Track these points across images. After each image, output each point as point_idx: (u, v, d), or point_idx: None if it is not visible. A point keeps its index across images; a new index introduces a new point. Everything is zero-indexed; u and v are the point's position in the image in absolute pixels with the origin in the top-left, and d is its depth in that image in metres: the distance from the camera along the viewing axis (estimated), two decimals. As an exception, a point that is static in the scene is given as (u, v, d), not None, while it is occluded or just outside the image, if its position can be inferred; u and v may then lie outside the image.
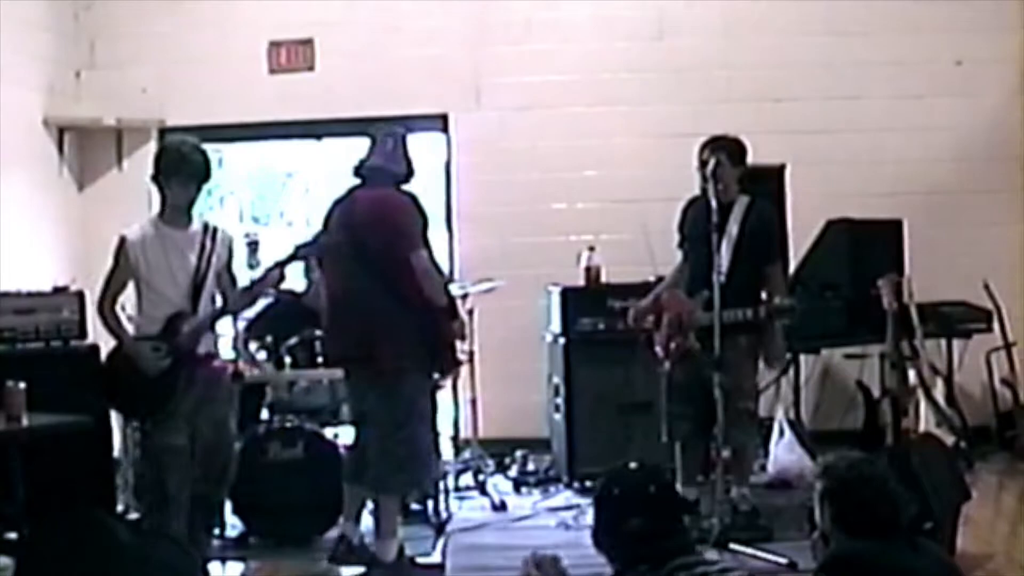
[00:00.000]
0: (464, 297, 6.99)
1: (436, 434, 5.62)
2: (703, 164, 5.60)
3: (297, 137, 8.88)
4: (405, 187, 5.24)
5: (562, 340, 6.82)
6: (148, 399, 4.87)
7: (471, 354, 7.08)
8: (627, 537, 3.18)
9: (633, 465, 3.62)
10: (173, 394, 4.85)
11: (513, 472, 7.09)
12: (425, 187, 8.37)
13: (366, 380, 5.12)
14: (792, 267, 6.88)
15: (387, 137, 5.25)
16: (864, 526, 3.19)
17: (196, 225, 5.05)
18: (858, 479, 3.24)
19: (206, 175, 4.98)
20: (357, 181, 5.25)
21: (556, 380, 6.97)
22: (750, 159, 5.84)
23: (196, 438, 4.91)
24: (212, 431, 4.96)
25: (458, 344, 5.53)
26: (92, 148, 8.03)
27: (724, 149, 5.63)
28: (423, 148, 8.37)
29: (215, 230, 5.06)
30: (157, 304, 4.91)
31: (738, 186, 5.71)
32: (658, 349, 5.86)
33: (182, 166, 4.92)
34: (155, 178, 4.97)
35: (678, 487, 5.87)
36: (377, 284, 4.97)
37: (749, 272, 5.59)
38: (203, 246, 4.99)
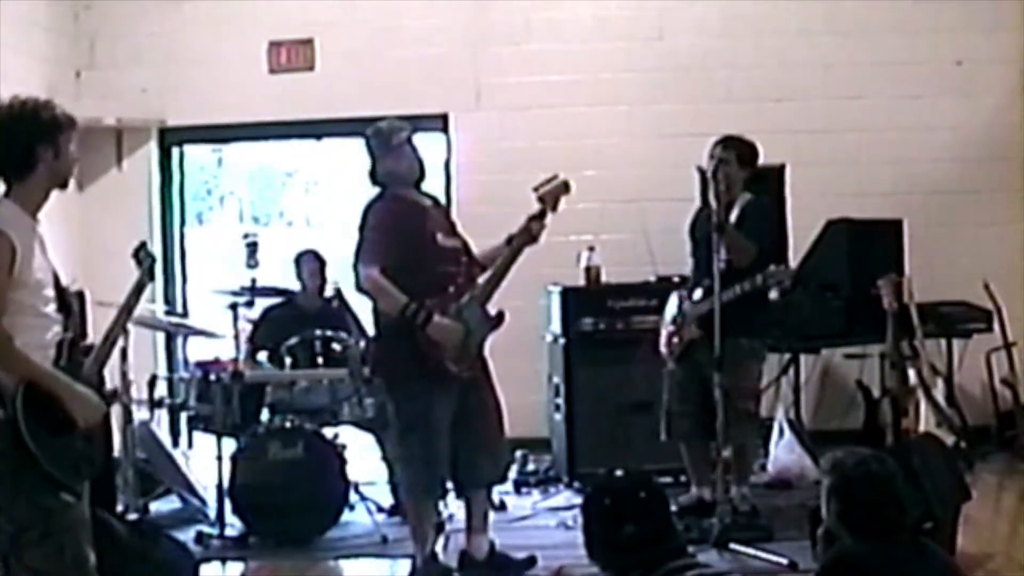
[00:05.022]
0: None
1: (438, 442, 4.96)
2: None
3: (297, 137, 8.89)
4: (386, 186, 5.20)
5: (562, 340, 6.81)
6: (89, 456, 3.44)
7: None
8: (622, 545, 3.17)
9: (619, 473, 3.62)
10: (111, 447, 3.63)
11: (513, 472, 7.07)
12: (425, 187, 8.40)
13: None
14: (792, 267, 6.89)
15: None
16: (868, 526, 3.19)
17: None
18: (864, 477, 3.23)
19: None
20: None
21: (556, 380, 6.96)
22: (753, 160, 5.87)
23: None
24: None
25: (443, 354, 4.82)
26: (92, 148, 7.99)
27: (733, 149, 5.68)
28: (423, 148, 8.40)
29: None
30: (37, 322, 3.36)
31: (742, 186, 5.73)
32: (662, 346, 5.91)
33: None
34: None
35: (693, 489, 5.90)
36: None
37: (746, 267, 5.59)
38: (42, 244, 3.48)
